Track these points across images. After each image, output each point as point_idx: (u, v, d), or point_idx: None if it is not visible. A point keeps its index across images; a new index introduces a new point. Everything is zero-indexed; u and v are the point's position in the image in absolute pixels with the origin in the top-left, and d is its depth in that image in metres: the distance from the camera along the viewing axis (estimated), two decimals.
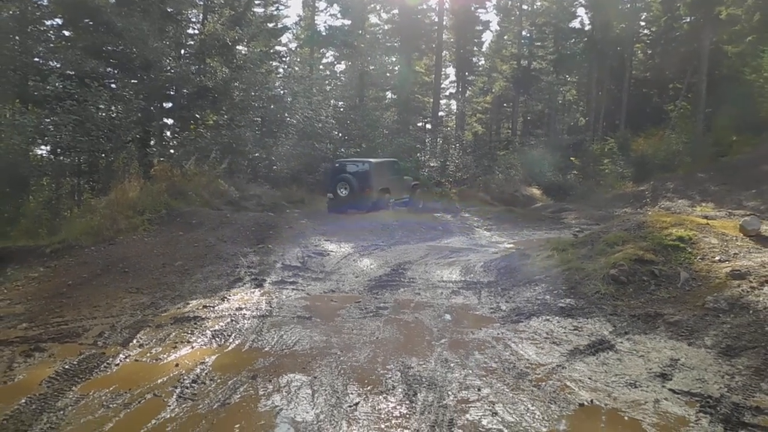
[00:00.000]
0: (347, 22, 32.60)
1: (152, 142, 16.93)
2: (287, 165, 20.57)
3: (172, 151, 15.98)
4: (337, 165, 16.18)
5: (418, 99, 37.48)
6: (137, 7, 15.43)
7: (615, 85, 32.88)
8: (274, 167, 20.63)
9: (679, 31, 30.03)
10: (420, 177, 19.80)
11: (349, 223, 13.29)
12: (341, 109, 26.80)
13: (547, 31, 36.72)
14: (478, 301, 6.59)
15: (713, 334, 4.84)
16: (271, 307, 6.18)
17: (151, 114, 16.87)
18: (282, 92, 22.25)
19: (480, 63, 42.58)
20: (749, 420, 3.47)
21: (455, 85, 42.16)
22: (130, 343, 5.01)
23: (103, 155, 14.29)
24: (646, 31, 34.41)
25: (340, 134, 24.38)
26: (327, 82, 28.98)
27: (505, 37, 39.80)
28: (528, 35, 37.89)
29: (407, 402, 3.77)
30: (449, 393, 3.90)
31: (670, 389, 3.96)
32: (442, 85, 39.62)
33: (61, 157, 14.38)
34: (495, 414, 3.60)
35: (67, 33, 16.79)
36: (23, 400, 3.79)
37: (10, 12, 14.92)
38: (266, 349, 4.84)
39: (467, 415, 3.58)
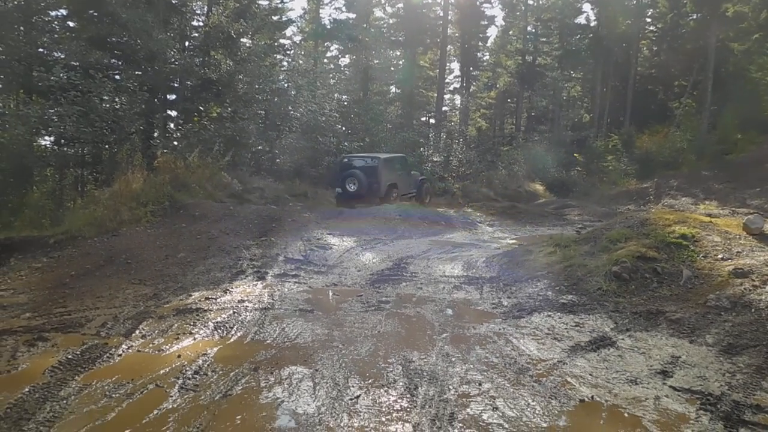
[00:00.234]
0: (352, 15, 32.56)
1: (156, 134, 16.93)
2: (290, 158, 20.56)
3: (175, 143, 15.96)
4: (345, 160, 16.26)
5: (422, 94, 37.45)
6: None
7: (620, 81, 32.73)
8: (278, 160, 20.62)
9: (685, 28, 29.84)
10: (426, 173, 19.78)
11: (352, 217, 13.29)
12: (345, 103, 26.78)
13: (552, 27, 36.58)
14: (479, 297, 6.59)
15: (715, 332, 4.84)
16: (273, 299, 6.20)
17: (155, 106, 16.86)
18: (286, 85, 22.20)
19: (485, 58, 42.49)
20: (749, 418, 3.48)
21: (459, 80, 42.11)
22: (133, 334, 5.03)
23: (107, 146, 14.29)
24: (652, 28, 34.23)
25: (344, 128, 24.35)
26: (331, 75, 28.88)
27: (510, 33, 39.64)
28: (533, 31, 37.75)
29: (408, 396, 3.78)
30: (450, 387, 3.91)
31: (670, 386, 3.97)
32: (447, 80, 39.60)
33: (65, 148, 14.38)
34: (496, 409, 3.61)
35: (71, 24, 16.76)
36: (27, 389, 3.81)
37: (15, 2, 14.91)
38: (268, 342, 4.85)
39: (468, 410, 3.59)
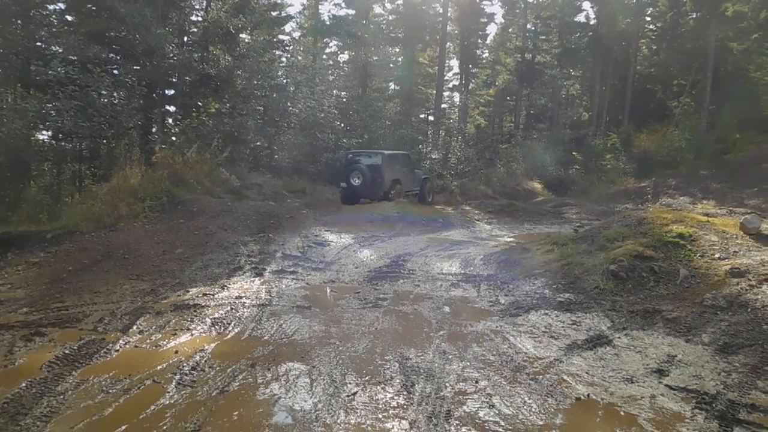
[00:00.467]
0: (351, 12, 32.47)
1: (154, 129, 16.90)
2: (289, 154, 20.56)
3: (173, 138, 15.95)
4: (350, 156, 16.51)
5: (421, 91, 37.42)
6: None
7: (619, 80, 32.75)
8: (276, 156, 20.62)
9: (684, 27, 29.84)
10: (425, 170, 19.82)
11: (350, 214, 13.30)
12: (344, 100, 26.75)
13: (551, 25, 36.56)
14: (477, 294, 6.60)
15: (711, 332, 4.86)
16: (270, 296, 6.20)
17: (153, 101, 16.83)
18: (285, 81, 22.16)
19: (484, 56, 42.47)
20: (744, 417, 3.50)
21: (458, 77, 42.13)
22: (130, 330, 5.03)
23: (105, 141, 14.26)
24: (651, 27, 34.23)
25: (343, 125, 24.32)
26: (330, 72, 28.92)
27: (510, 30, 39.59)
28: (533, 28, 37.73)
29: (405, 393, 3.79)
30: (447, 384, 3.92)
31: (666, 385, 3.98)
32: (446, 78, 39.59)
33: (63, 143, 14.34)
34: (492, 406, 3.62)
35: (69, 18, 16.73)
36: (23, 384, 3.81)
37: None
38: (265, 338, 4.86)
39: (464, 407, 3.60)
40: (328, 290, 6.71)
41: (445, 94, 41.82)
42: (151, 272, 7.23)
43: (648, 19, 33.82)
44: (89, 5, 15.81)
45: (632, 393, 3.85)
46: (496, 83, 39.60)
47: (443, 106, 39.22)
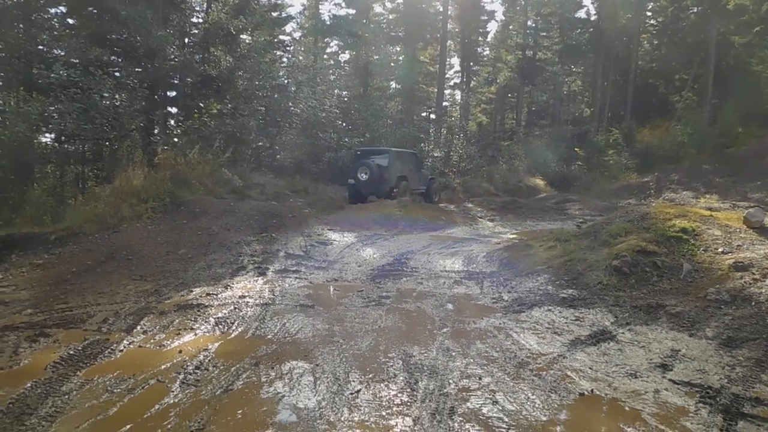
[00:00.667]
0: (351, 11, 32.51)
1: (156, 131, 16.92)
2: (291, 154, 20.58)
3: (176, 139, 15.97)
4: (359, 153, 16.86)
5: (422, 89, 37.42)
6: None
7: (620, 75, 32.68)
8: (278, 156, 20.65)
9: (685, 21, 29.78)
10: (428, 168, 19.86)
11: (353, 213, 13.31)
12: (345, 99, 26.76)
13: (552, 21, 36.51)
14: (480, 291, 6.60)
15: (714, 326, 4.85)
16: (273, 295, 6.21)
17: (155, 102, 16.85)
18: (286, 82, 22.20)
19: (485, 53, 42.45)
20: (749, 411, 3.49)
21: (460, 75, 42.09)
22: (134, 330, 5.04)
23: (107, 143, 14.28)
24: (652, 22, 34.14)
25: (344, 124, 24.35)
26: (331, 71, 28.90)
27: (511, 27, 39.57)
28: (533, 25, 37.71)
29: (408, 390, 3.79)
30: (450, 381, 3.92)
31: (670, 380, 3.97)
32: (447, 76, 39.57)
33: (66, 145, 14.38)
34: (496, 402, 3.62)
35: (71, 21, 16.74)
36: (29, 385, 3.82)
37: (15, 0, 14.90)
38: (269, 337, 4.86)
39: (468, 404, 3.60)
40: (331, 289, 6.71)
41: (447, 92, 41.85)
42: (154, 273, 7.24)
43: (649, 14, 33.74)
44: (90, 8, 15.83)
45: (636, 388, 3.85)
46: (498, 80, 39.60)
47: (445, 104, 39.23)
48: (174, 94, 18.22)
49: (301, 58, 26.05)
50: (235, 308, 5.63)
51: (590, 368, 4.19)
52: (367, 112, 24.15)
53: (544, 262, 7.48)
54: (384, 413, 3.47)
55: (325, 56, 34.43)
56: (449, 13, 34.60)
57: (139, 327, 5.12)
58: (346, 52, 34.96)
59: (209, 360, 4.29)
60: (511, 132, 35.99)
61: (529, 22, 37.57)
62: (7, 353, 4.47)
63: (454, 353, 4.48)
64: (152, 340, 4.79)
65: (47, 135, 14.77)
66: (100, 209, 9.55)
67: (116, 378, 3.97)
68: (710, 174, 19.05)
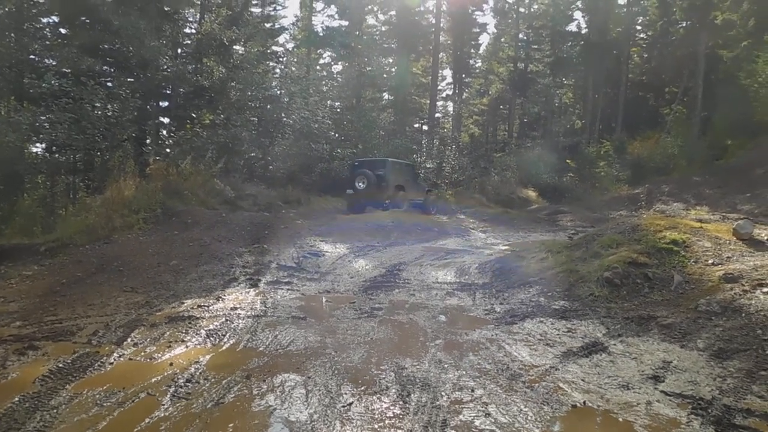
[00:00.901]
0: (344, 23, 32.66)
1: (148, 141, 16.91)
2: (283, 165, 20.56)
3: (168, 150, 15.95)
4: (356, 163, 17.15)
5: (414, 100, 37.60)
6: (134, 6, 15.38)
7: (611, 88, 33.02)
8: (270, 167, 20.61)
9: (675, 35, 30.18)
10: (421, 180, 19.94)
11: (345, 224, 13.31)
12: (338, 110, 26.83)
13: (543, 34, 36.88)
14: (472, 303, 6.61)
15: (705, 337, 4.87)
16: (265, 307, 6.18)
17: (148, 113, 16.83)
18: (279, 92, 22.24)
19: (477, 65, 42.73)
20: (740, 422, 3.50)
21: (452, 86, 42.30)
22: (125, 342, 5.00)
23: (99, 153, 14.22)
24: (642, 35, 34.60)
25: (337, 135, 24.38)
26: (324, 82, 28.98)
27: (502, 40, 39.93)
28: (525, 38, 38.05)
29: (401, 402, 3.78)
30: (443, 394, 3.91)
31: (662, 391, 3.98)
32: (439, 87, 39.73)
33: (57, 155, 14.30)
34: (488, 415, 3.61)
35: (63, 31, 16.72)
36: (17, 399, 3.77)
37: (6, 9, 14.87)
38: (261, 349, 4.84)
39: (460, 416, 3.59)
40: (324, 300, 6.69)
41: (439, 103, 42.02)
42: (145, 284, 7.20)
43: (639, 27, 34.22)
44: (83, 18, 15.82)
45: (628, 399, 3.85)
46: (490, 92, 39.86)
47: (437, 115, 39.42)
48: (166, 104, 18.22)
49: (293, 69, 26.07)
50: (226, 320, 5.60)
51: (582, 380, 4.20)
52: (359, 123, 24.22)
53: (536, 274, 7.50)
54: (376, 426, 3.46)
55: (318, 67, 34.52)
56: (441, 25, 34.87)
57: (129, 339, 5.08)
58: (339, 63, 35.08)
59: (200, 373, 4.26)
60: (503, 143, 36.18)
61: (520, 35, 37.91)
62: None
63: (446, 365, 4.47)
64: (143, 353, 4.75)
65: (38, 145, 14.74)
66: (91, 220, 9.50)
67: (106, 391, 3.92)
68: (700, 185, 19.22)
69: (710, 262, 6.33)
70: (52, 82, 13.20)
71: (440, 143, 27.92)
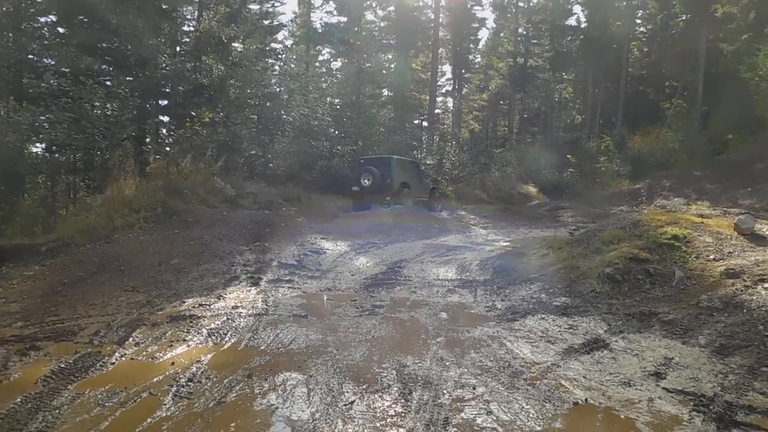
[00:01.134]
0: (343, 19, 32.60)
1: (148, 140, 16.88)
2: (283, 163, 20.53)
3: (167, 148, 15.94)
4: (361, 161, 17.34)
5: (414, 96, 37.55)
6: (132, 4, 15.35)
7: (611, 82, 32.97)
8: (271, 165, 20.58)
9: (675, 29, 30.10)
10: (429, 179, 19.96)
11: (346, 222, 13.31)
12: (337, 107, 26.80)
13: (543, 29, 36.80)
14: (473, 300, 6.61)
15: (707, 333, 4.86)
16: (267, 305, 6.18)
17: (147, 112, 16.81)
18: (278, 90, 22.19)
19: (476, 60, 42.70)
20: (742, 419, 3.49)
21: (452, 82, 42.29)
22: (126, 342, 5.00)
23: (99, 153, 14.20)
24: (642, 29, 34.50)
25: (337, 132, 24.35)
26: (323, 79, 28.92)
27: (502, 35, 39.86)
28: (524, 33, 37.97)
29: (402, 400, 3.78)
30: (444, 391, 3.91)
31: (664, 388, 3.98)
32: (439, 83, 39.69)
33: (57, 155, 14.29)
34: (490, 412, 3.61)
35: (61, 30, 16.68)
36: (19, 399, 3.78)
37: (4, 9, 14.85)
38: (262, 348, 4.84)
39: (462, 414, 3.59)
40: (325, 298, 6.69)
41: (439, 99, 41.95)
42: (146, 283, 7.20)
43: (639, 21, 34.11)
44: (81, 17, 15.78)
45: (630, 396, 3.85)
46: (489, 88, 39.80)
47: (437, 111, 39.34)
48: (166, 102, 18.19)
49: (293, 66, 26.00)
50: (227, 319, 5.60)
51: (584, 377, 4.19)
52: (359, 119, 24.19)
53: (537, 270, 7.50)
54: (378, 424, 3.46)
55: (317, 64, 34.49)
56: (441, 20, 34.80)
57: (131, 339, 5.08)
58: (338, 59, 35.01)
59: (202, 372, 4.26)
60: (504, 139, 36.16)
61: (520, 30, 37.83)
62: None
63: (447, 363, 4.47)
64: (144, 353, 4.75)
65: (38, 145, 14.72)
66: (92, 219, 9.50)
67: (108, 391, 3.93)
68: (701, 180, 19.19)
69: (711, 257, 6.32)
70: (51, 81, 13.18)
71: (440, 139, 27.92)
